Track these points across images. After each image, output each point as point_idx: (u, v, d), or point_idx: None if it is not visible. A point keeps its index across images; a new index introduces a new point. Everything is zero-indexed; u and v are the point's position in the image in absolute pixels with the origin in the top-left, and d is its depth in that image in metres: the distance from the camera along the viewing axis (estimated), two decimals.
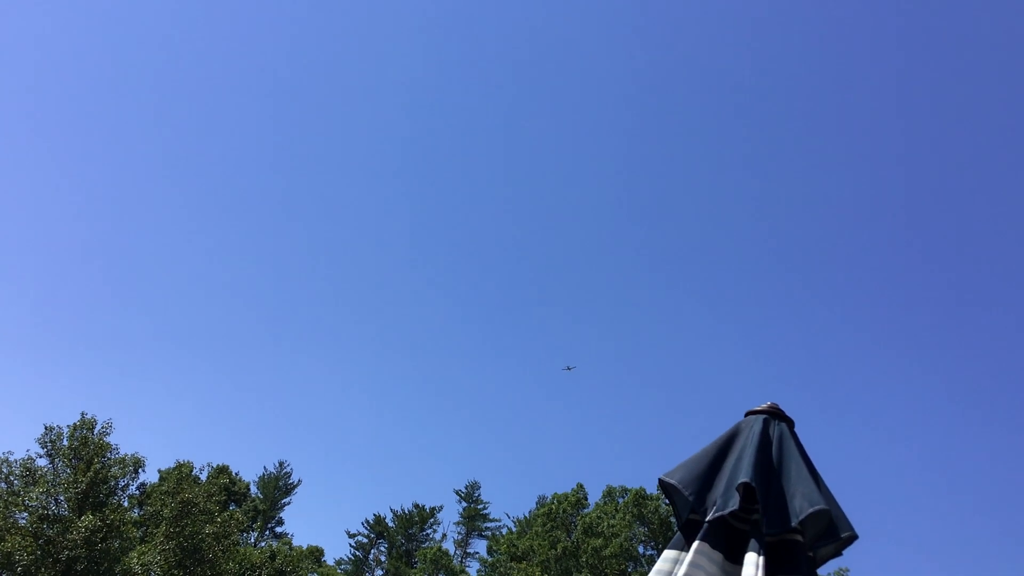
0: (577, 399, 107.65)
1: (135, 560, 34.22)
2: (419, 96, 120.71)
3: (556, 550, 43.26)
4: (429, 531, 79.75)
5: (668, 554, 3.46)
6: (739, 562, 3.28)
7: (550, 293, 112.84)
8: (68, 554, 30.81)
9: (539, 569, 40.53)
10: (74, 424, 34.40)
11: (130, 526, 35.69)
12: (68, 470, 33.58)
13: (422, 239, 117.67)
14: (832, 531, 3.37)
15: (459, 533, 78.65)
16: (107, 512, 32.81)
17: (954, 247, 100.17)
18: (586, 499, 47.61)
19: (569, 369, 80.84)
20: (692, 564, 3.27)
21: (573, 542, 43.78)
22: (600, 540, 42.30)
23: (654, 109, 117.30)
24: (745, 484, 3.35)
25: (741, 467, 3.44)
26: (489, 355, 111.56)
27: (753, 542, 3.25)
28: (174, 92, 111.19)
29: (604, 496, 46.57)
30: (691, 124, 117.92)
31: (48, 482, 32.58)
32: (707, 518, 3.40)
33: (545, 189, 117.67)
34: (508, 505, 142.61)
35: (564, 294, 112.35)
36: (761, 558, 3.18)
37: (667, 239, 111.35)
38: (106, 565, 32.08)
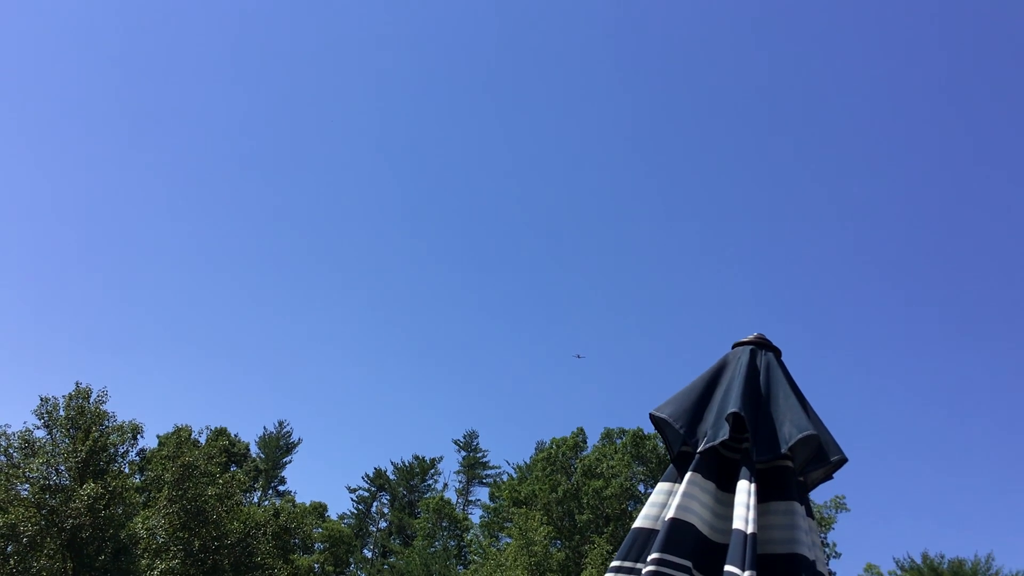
0: (570, 344, 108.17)
1: (140, 525, 34.54)
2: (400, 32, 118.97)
3: (557, 493, 43.79)
4: (430, 482, 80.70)
5: (662, 487, 3.50)
6: (731, 490, 3.31)
7: (540, 240, 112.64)
8: (72, 522, 31.05)
9: (541, 512, 41.01)
10: (69, 394, 34.42)
11: (132, 492, 35.93)
12: (67, 440, 33.67)
13: (411, 191, 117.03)
14: (821, 455, 3.41)
15: (460, 482, 79.61)
16: (108, 479, 33.01)
17: (946, 170, 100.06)
18: (585, 442, 48.07)
19: (579, 357, 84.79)
20: (685, 494, 3.30)
21: (573, 485, 44.31)
22: (600, 481, 42.82)
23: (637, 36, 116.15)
24: (734, 414, 3.37)
25: (730, 398, 3.46)
26: (481, 305, 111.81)
27: (744, 470, 3.29)
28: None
29: (602, 438, 47.04)
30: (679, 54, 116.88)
31: (47, 453, 32.70)
32: (698, 449, 3.43)
33: (537, 131, 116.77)
34: (507, 452, 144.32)
35: (553, 240, 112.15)
36: (753, 485, 3.21)
37: (652, 173, 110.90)
38: (111, 531, 32.36)
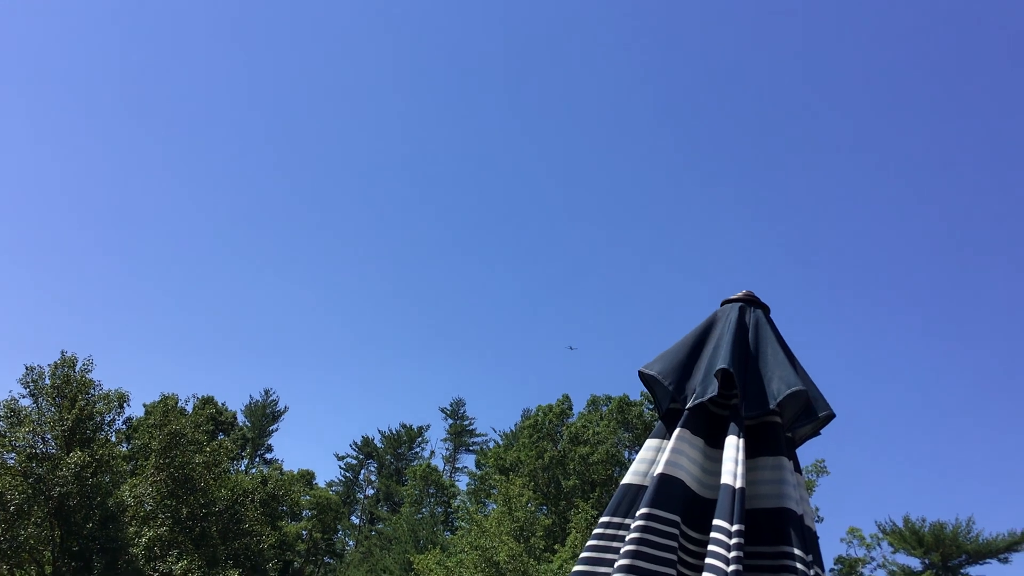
0: (557, 312, 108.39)
1: (127, 493, 34.61)
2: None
3: (543, 460, 44.05)
4: (417, 449, 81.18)
5: (650, 443, 3.51)
6: (720, 446, 3.33)
7: (525, 206, 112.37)
8: (60, 490, 31.07)
9: (527, 479, 41.29)
10: (55, 363, 34.33)
11: (120, 460, 35.95)
12: (53, 409, 33.62)
13: (397, 150, 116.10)
14: (809, 411, 3.43)
15: (447, 450, 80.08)
16: (95, 448, 33.01)
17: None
18: (570, 409, 48.29)
19: (572, 349, 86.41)
20: (674, 450, 3.31)
21: (560, 451, 44.57)
22: (586, 448, 43.09)
23: None
24: (723, 370, 3.38)
25: (719, 354, 3.47)
26: (468, 273, 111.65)
27: (733, 426, 3.30)
28: None
29: (588, 405, 47.27)
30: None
31: (33, 421, 32.64)
32: (687, 406, 3.44)
33: (530, 80, 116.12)
34: (494, 420, 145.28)
35: (537, 208, 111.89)
36: (741, 440, 3.23)
37: (627, 133, 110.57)
38: (98, 499, 32.42)
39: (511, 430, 55.59)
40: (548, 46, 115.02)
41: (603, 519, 3.36)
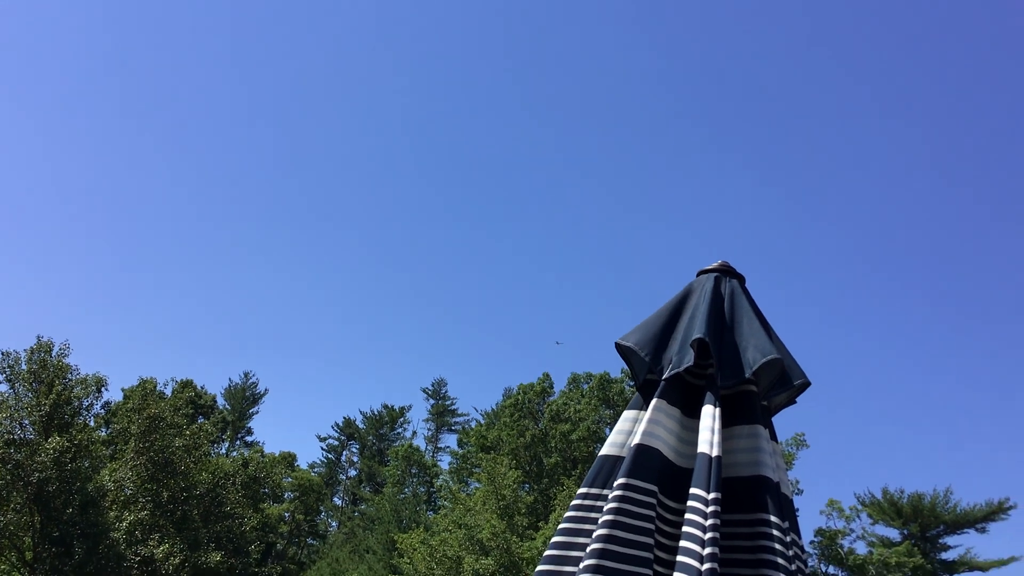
0: (534, 292, 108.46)
1: (107, 477, 34.52)
2: None
3: (525, 438, 44.21)
4: (399, 430, 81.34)
5: (627, 414, 3.52)
6: (696, 416, 3.33)
7: (506, 180, 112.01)
8: (39, 476, 30.97)
9: (509, 457, 41.42)
10: (31, 348, 34.16)
11: (99, 445, 35.86)
12: (30, 394, 33.47)
13: (380, 126, 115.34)
14: (785, 380, 3.44)
15: (429, 430, 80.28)
16: (74, 433, 32.90)
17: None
18: (552, 388, 48.46)
19: (558, 344, 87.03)
20: (651, 420, 3.32)
21: (541, 430, 44.74)
22: (567, 425, 43.28)
23: None
24: (699, 340, 3.38)
25: (695, 324, 3.47)
26: (448, 252, 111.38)
27: (709, 395, 3.31)
28: None
29: (569, 383, 47.45)
30: None
31: (11, 407, 32.48)
32: (663, 376, 3.44)
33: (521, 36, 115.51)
34: (475, 399, 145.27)
35: (518, 182, 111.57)
36: (717, 410, 3.24)
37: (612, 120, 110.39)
38: (78, 484, 32.34)
39: (492, 409, 55.70)
40: None
41: (581, 490, 3.38)
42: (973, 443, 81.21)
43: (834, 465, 77.42)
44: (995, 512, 43.42)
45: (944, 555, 44.15)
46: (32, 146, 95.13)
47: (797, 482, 42.06)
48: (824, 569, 42.51)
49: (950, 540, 44.37)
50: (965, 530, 44.03)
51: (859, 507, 45.30)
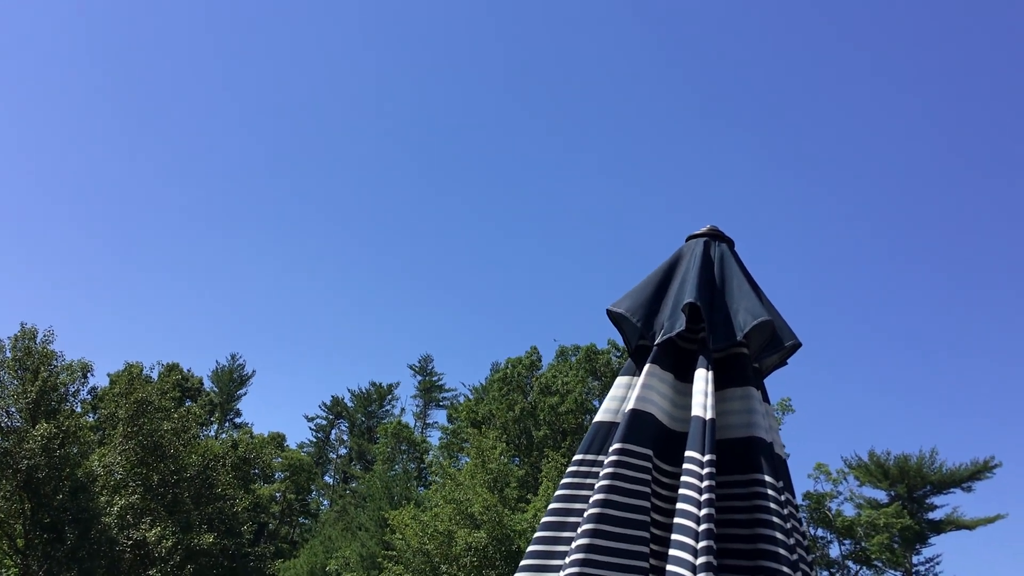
0: (521, 264, 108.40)
1: (96, 462, 34.50)
2: None
3: (514, 412, 44.39)
4: (388, 407, 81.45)
5: (620, 380, 3.53)
6: (689, 380, 3.35)
7: (488, 153, 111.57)
8: (27, 463, 30.94)
9: (499, 431, 41.59)
10: (15, 335, 33.97)
11: (87, 431, 35.79)
12: (15, 382, 33.33)
13: (368, 101, 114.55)
14: (775, 341, 3.46)
15: (417, 406, 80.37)
16: (61, 419, 32.83)
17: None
18: (539, 361, 48.64)
19: (555, 341, 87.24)
20: (644, 386, 3.33)
21: (530, 403, 44.93)
22: (556, 398, 43.49)
23: None
24: (690, 304, 3.39)
25: (685, 289, 3.48)
26: (435, 228, 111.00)
27: (701, 359, 3.32)
28: None
29: (557, 356, 47.64)
30: None
31: None
32: (655, 342, 3.45)
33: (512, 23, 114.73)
34: (463, 375, 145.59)
35: (504, 156, 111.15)
36: (710, 373, 3.26)
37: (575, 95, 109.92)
38: (67, 470, 32.32)
39: (481, 384, 55.84)
40: None
41: (576, 457, 3.39)
42: (958, 402, 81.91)
43: (820, 428, 78.17)
44: (980, 471, 43.98)
45: (931, 515, 44.75)
46: (7, 135, 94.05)
47: (783, 447, 42.43)
48: (812, 532, 43.04)
49: (937, 500, 44.96)
50: (951, 490, 44.61)
51: (846, 470, 45.81)
